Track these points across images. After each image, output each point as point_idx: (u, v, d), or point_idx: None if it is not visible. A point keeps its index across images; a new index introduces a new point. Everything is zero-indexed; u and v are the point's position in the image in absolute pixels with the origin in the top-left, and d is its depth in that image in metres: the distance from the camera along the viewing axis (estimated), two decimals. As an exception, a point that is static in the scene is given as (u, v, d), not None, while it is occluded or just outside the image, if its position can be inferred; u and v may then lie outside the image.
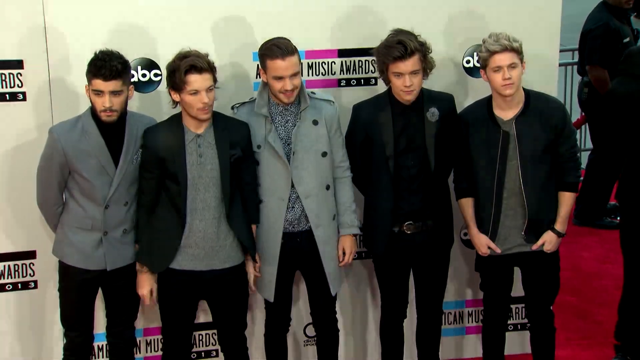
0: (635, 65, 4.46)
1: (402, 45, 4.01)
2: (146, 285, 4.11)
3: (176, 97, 3.95)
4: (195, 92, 3.88)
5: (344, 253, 4.26)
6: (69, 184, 4.06)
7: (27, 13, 4.25)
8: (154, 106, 4.39)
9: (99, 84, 3.87)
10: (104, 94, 3.88)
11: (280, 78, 3.99)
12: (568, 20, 5.39)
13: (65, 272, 4.14)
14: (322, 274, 4.22)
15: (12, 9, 4.25)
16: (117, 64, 3.86)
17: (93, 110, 3.98)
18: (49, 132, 4.03)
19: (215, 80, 3.95)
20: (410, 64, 4.02)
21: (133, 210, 4.10)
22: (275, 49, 3.97)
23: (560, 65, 5.00)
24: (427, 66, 4.11)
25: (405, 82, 4.04)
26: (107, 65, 3.85)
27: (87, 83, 3.94)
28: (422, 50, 4.06)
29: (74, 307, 4.16)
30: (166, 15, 4.38)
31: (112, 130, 3.99)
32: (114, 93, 3.89)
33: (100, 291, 4.23)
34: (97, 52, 3.91)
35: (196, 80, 3.87)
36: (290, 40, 4.03)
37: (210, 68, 3.90)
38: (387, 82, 4.15)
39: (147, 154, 4.03)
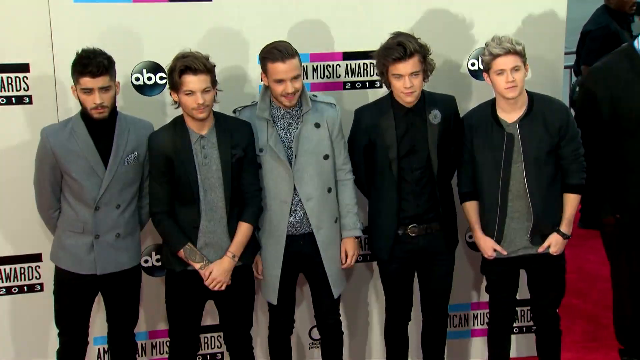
0: (594, 82, 4.48)
1: (401, 47, 4.01)
2: (227, 268, 4.07)
3: (175, 97, 3.97)
4: (190, 93, 3.89)
5: (346, 255, 4.27)
6: (63, 187, 4.05)
7: (33, 17, 4.27)
8: (160, 109, 4.41)
9: (87, 81, 3.87)
10: (94, 91, 3.88)
11: (281, 81, 3.99)
12: (573, 23, 5.40)
13: (59, 276, 4.13)
14: (325, 276, 4.22)
15: (18, 13, 4.27)
16: (103, 59, 3.87)
17: (83, 111, 3.97)
18: (40, 133, 4.04)
19: (214, 82, 3.96)
20: (409, 65, 4.02)
21: (128, 214, 4.09)
22: (275, 52, 3.98)
23: (565, 67, 4.99)
24: (427, 68, 4.10)
25: (405, 83, 4.04)
26: (93, 62, 3.85)
27: (73, 84, 3.94)
28: (422, 51, 4.06)
29: (67, 311, 4.14)
30: (171, 18, 4.39)
31: (102, 131, 3.99)
32: (103, 89, 3.89)
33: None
34: (80, 52, 3.92)
35: (191, 81, 3.88)
36: (290, 44, 4.04)
37: (207, 69, 3.90)
38: (388, 85, 4.16)
39: (155, 158, 4.03)
